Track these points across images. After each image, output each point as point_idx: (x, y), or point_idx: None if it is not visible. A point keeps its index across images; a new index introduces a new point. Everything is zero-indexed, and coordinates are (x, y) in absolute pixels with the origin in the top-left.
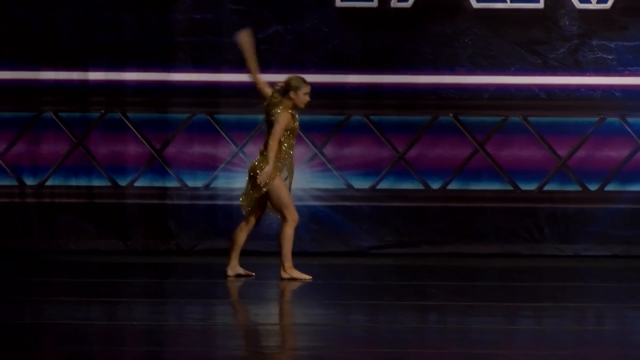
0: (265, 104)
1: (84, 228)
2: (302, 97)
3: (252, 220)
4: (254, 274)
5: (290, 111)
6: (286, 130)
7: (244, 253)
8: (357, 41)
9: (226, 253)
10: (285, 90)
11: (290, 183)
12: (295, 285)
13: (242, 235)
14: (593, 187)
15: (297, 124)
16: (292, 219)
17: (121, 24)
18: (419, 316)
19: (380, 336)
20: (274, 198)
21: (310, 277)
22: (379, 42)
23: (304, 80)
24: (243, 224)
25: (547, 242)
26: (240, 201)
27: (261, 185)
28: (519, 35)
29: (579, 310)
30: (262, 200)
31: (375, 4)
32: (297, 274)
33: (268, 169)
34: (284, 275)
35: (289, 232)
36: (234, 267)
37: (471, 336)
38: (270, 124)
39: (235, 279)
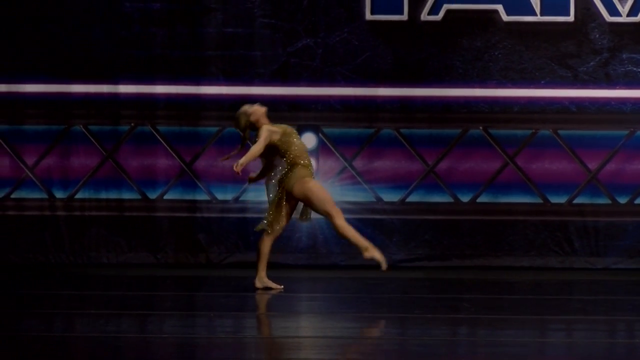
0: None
1: (115, 241)
2: (257, 109)
3: (277, 229)
4: (282, 286)
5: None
6: (281, 140)
7: (273, 266)
8: (387, 54)
9: (256, 266)
10: (251, 125)
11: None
12: (324, 298)
13: (266, 244)
14: (623, 200)
15: (288, 130)
16: (337, 211)
17: (152, 37)
18: (450, 329)
19: (411, 350)
20: (315, 200)
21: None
22: (409, 55)
23: (245, 111)
24: (266, 233)
25: (578, 255)
26: (265, 217)
27: (235, 169)
28: (549, 49)
29: (610, 323)
30: (291, 209)
31: (405, 17)
32: (376, 253)
33: (242, 162)
34: (366, 255)
35: (343, 223)
36: (262, 279)
37: (502, 350)
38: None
39: (264, 291)
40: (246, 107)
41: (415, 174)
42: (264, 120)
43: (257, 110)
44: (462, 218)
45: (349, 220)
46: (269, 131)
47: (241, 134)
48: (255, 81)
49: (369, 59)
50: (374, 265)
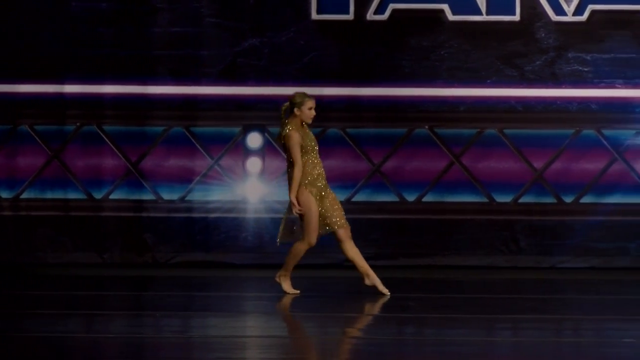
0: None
1: (61, 241)
2: (307, 112)
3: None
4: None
5: (298, 129)
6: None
7: (218, 266)
8: (334, 54)
9: (202, 265)
10: (290, 109)
11: (328, 201)
12: (270, 298)
13: (349, 253)
14: (569, 200)
15: (309, 140)
16: (308, 241)
17: (99, 37)
18: (397, 328)
19: (359, 349)
20: (303, 215)
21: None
22: (356, 54)
23: (306, 95)
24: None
25: (524, 254)
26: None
27: (296, 212)
28: (496, 48)
29: (557, 322)
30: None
31: (351, 16)
32: (287, 286)
33: (292, 197)
34: (277, 279)
35: (300, 248)
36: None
37: (450, 349)
38: (284, 149)
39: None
40: (305, 95)
41: (362, 173)
42: (296, 121)
43: (309, 115)
44: (409, 217)
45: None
46: (297, 145)
47: (282, 108)
48: (202, 81)
49: (316, 59)
50: (321, 264)
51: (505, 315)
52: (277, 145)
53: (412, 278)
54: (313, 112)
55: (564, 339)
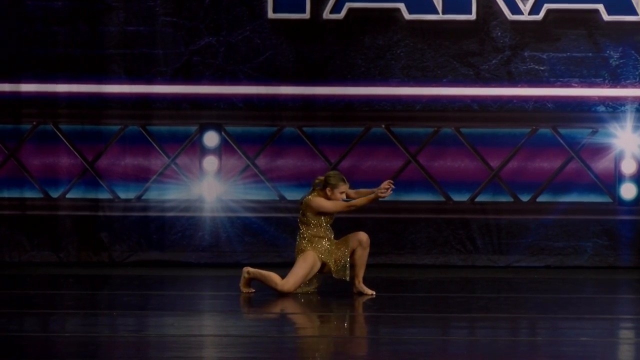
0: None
1: (17, 240)
2: (338, 195)
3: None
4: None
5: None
6: (320, 215)
7: (175, 265)
8: (290, 53)
9: (158, 264)
10: (323, 186)
11: (330, 268)
12: (227, 297)
13: (358, 253)
14: (525, 198)
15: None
16: (284, 286)
17: (54, 36)
18: (352, 327)
19: (313, 347)
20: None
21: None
22: (311, 53)
23: (343, 179)
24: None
25: (480, 253)
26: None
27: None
28: (451, 47)
29: (512, 321)
30: (345, 244)
31: (307, 15)
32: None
33: (375, 193)
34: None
35: (277, 282)
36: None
37: (405, 347)
38: (303, 213)
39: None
40: (341, 180)
41: (318, 172)
42: (322, 195)
43: (336, 197)
44: (364, 216)
45: (252, 220)
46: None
47: (316, 181)
48: (157, 79)
49: (272, 57)
50: (278, 263)
51: (461, 314)
52: (233, 144)
53: (367, 277)
54: (343, 196)
55: (520, 338)
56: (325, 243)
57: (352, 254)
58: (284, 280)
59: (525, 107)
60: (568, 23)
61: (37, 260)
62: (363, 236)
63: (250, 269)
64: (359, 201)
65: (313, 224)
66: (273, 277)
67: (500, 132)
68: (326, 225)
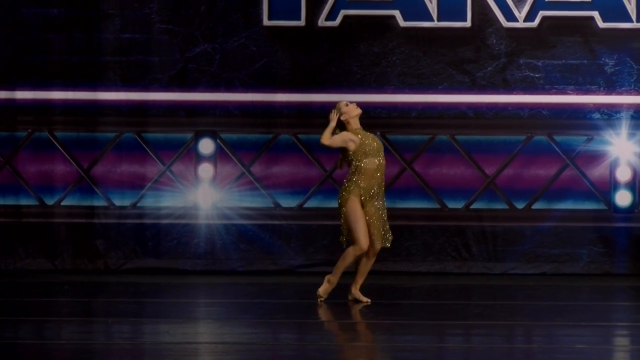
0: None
1: (12, 247)
2: (350, 110)
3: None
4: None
5: (351, 133)
6: (354, 151)
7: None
8: (285, 60)
9: (154, 272)
10: (340, 123)
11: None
12: (222, 304)
13: (363, 261)
14: (520, 206)
15: (367, 146)
16: (358, 246)
17: (49, 43)
18: (348, 335)
19: (309, 355)
20: (345, 220)
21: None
22: (307, 60)
23: (345, 104)
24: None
25: (475, 260)
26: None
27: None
28: (447, 54)
29: (508, 328)
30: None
31: (302, 22)
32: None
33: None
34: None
35: (349, 252)
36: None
37: (401, 355)
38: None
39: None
40: (342, 104)
41: (313, 179)
42: (354, 123)
43: (351, 111)
44: None
45: (247, 228)
46: (346, 139)
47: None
48: (153, 87)
49: (267, 65)
50: (272, 270)
51: (456, 321)
52: (228, 152)
53: (363, 284)
54: (352, 106)
55: (515, 345)
56: (367, 182)
57: (358, 261)
58: (357, 245)
59: (520, 114)
60: (563, 30)
61: (32, 268)
62: (375, 247)
63: (331, 277)
64: (327, 133)
65: (357, 164)
66: (348, 258)
67: (495, 139)
68: (368, 160)
